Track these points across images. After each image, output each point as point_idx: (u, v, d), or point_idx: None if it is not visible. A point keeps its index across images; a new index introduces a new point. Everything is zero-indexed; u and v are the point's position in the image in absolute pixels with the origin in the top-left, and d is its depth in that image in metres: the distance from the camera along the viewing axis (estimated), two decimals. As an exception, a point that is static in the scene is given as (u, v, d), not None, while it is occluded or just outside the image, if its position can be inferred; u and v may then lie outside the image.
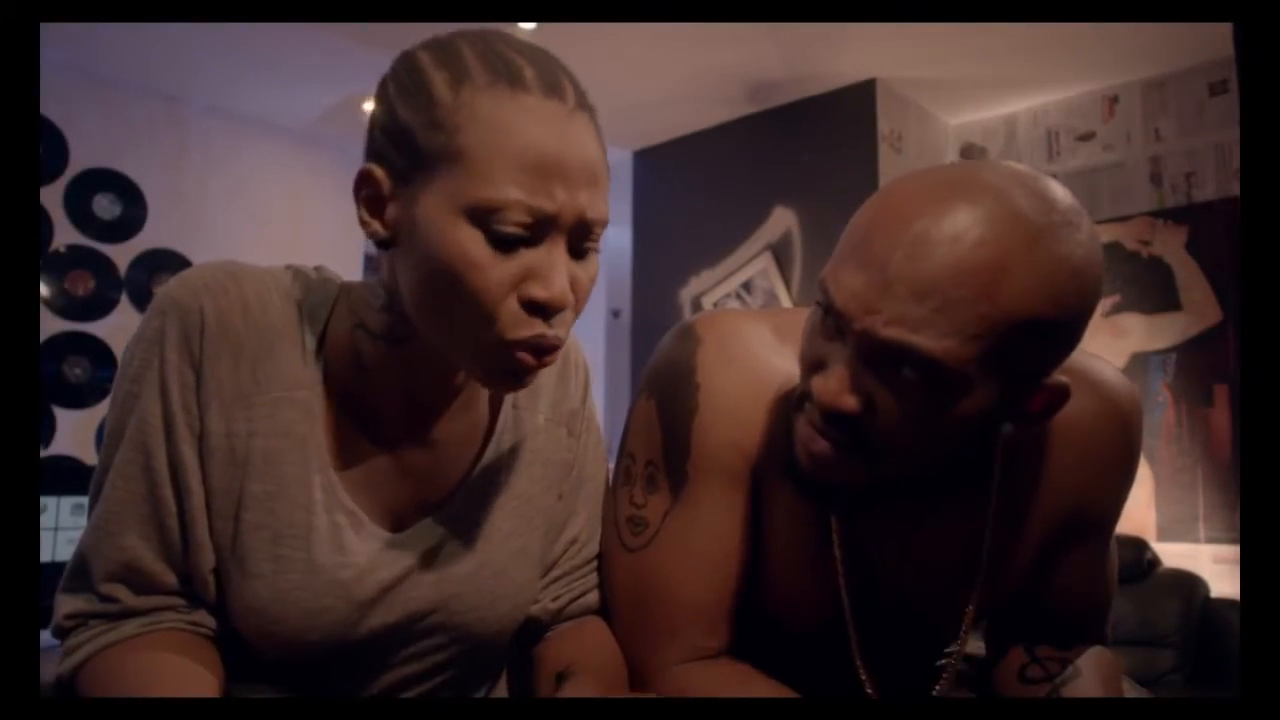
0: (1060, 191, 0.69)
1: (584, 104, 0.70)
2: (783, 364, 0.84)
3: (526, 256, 0.66)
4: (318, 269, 0.82)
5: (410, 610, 0.79)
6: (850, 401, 0.70)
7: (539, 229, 0.66)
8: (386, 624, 0.78)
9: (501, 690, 0.91)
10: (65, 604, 0.75)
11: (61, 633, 0.75)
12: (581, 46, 3.30)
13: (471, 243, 0.65)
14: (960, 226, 0.65)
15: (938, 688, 0.87)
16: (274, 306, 0.76)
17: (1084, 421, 0.83)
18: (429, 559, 0.80)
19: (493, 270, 0.65)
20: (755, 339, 0.86)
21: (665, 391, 0.86)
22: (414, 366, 0.76)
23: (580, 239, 0.69)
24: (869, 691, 0.86)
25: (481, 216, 0.64)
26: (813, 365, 0.74)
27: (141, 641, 0.73)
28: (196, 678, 0.71)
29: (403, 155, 0.67)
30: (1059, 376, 0.72)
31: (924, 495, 0.84)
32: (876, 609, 0.87)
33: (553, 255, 0.67)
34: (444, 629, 0.81)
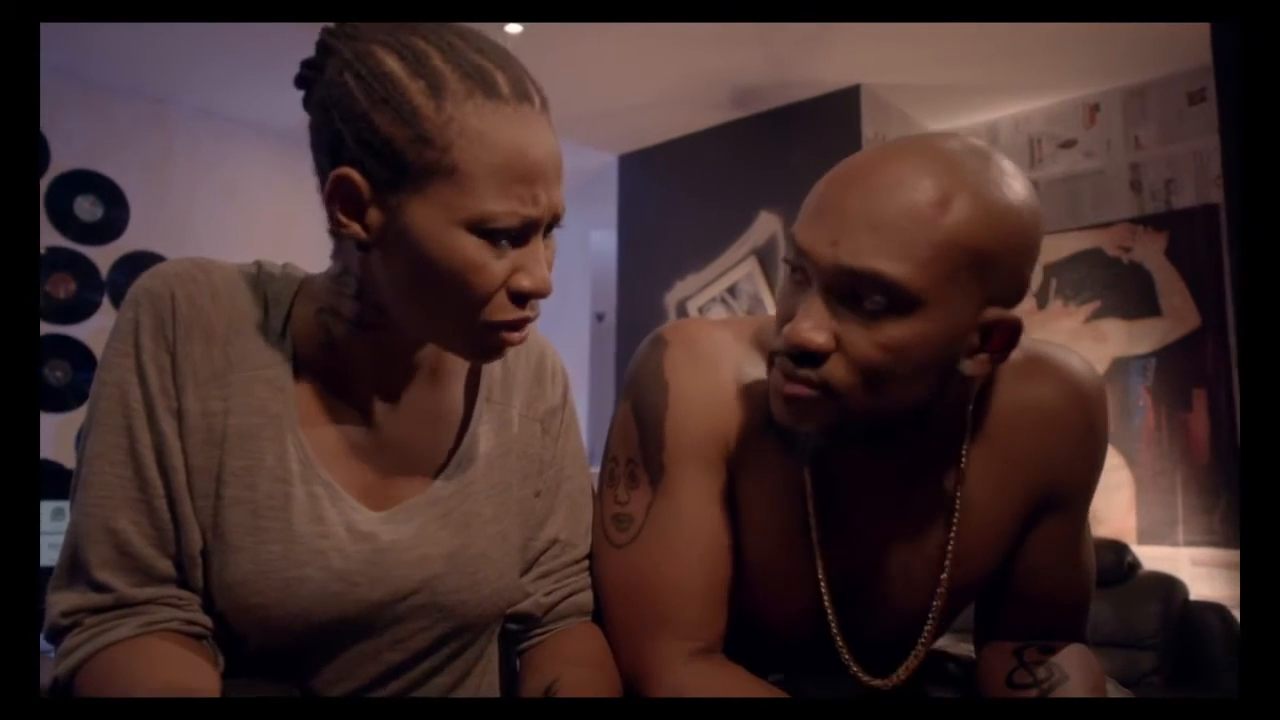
0: (1002, 157, 0.77)
1: (545, 100, 0.76)
2: (747, 363, 0.90)
3: (513, 252, 0.74)
4: (284, 265, 0.86)
5: (394, 589, 0.80)
6: (819, 336, 0.75)
7: (526, 230, 0.73)
8: (370, 601, 0.80)
9: (492, 681, 0.92)
10: (60, 601, 0.75)
11: (58, 632, 0.75)
12: (568, 50, 3.31)
13: (472, 249, 0.71)
14: (907, 170, 0.74)
15: (908, 662, 0.90)
16: (241, 293, 0.80)
17: (1051, 405, 0.89)
18: (410, 540, 0.82)
19: (490, 268, 0.72)
20: (720, 342, 0.91)
21: (639, 394, 0.91)
22: (381, 348, 0.81)
23: (551, 228, 0.77)
24: (853, 669, 0.89)
25: (479, 227, 0.71)
26: (784, 320, 0.79)
27: (139, 644, 0.73)
28: (196, 683, 0.71)
29: (385, 165, 0.71)
30: (1013, 314, 0.77)
31: (900, 466, 0.87)
32: (855, 587, 0.90)
33: (536, 250, 0.75)
34: (426, 611, 0.82)
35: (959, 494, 0.87)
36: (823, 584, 0.89)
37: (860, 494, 0.89)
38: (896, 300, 0.73)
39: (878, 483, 0.88)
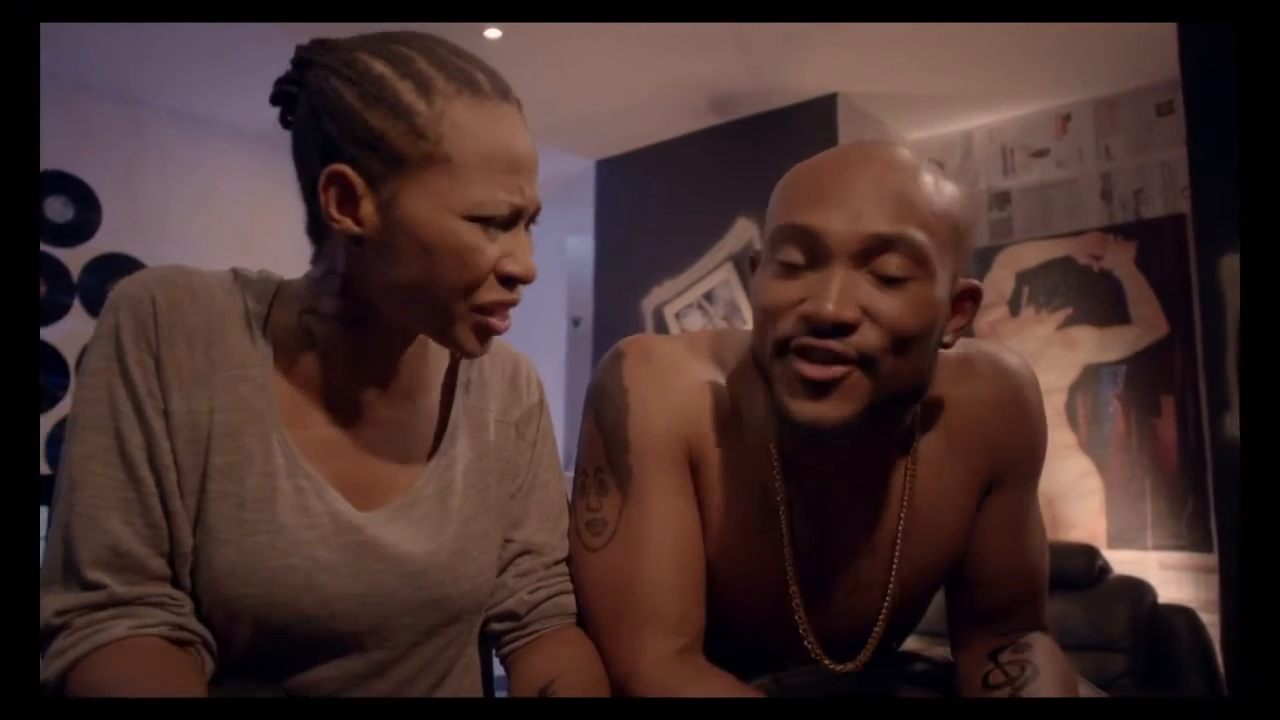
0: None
1: (519, 102, 0.82)
2: (703, 369, 0.96)
3: (501, 239, 0.78)
4: (260, 271, 0.88)
5: (377, 581, 0.82)
6: (849, 308, 0.79)
7: (513, 218, 0.78)
8: (354, 593, 0.81)
9: (475, 681, 0.93)
10: (51, 601, 0.75)
11: (49, 633, 0.74)
12: (547, 56, 3.32)
13: (467, 233, 0.76)
14: (895, 159, 0.83)
15: (869, 644, 0.95)
16: (219, 296, 0.82)
17: (987, 395, 0.96)
18: (394, 537, 0.83)
19: (485, 251, 0.77)
20: (675, 352, 0.96)
21: (601, 405, 0.95)
22: (362, 347, 0.84)
23: (531, 221, 0.81)
24: (816, 652, 0.94)
25: (474, 214, 0.76)
26: (783, 308, 0.82)
27: (127, 647, 0.73)
28: (181, 687, 0.71)
29: (380, 159, 0.75)
30: (969, 282, 0.87)
31: (860, 458, 0.92)
32: (820, 576, 0.94)
33: (521, 237, 0.80)
34: (409, 605, 0.84)
35: (910, 482, 0.93)
36: (789, 573, 0.92)
37: (823, 486, 0.93)
38: (918, 263, 0.80)
39: (839, 475, 0.93)
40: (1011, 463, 0.97)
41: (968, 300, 0.87)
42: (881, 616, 0.95)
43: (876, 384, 0.81)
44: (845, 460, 0.92)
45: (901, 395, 0.85)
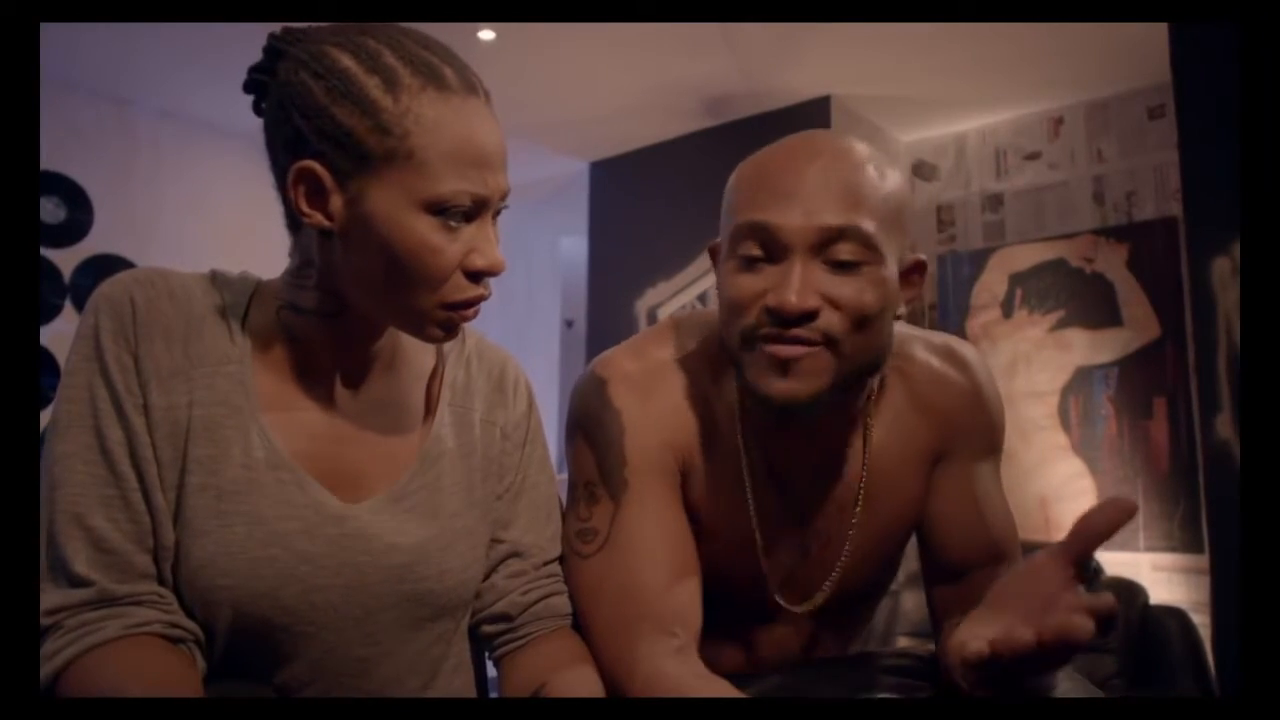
0: None
1: (487, 93, 0.82)
2: (673, 377, 1.00)
3: (465, 232, 0.78)
4: (240, 272, 0.88)
5: (360, 575, 0.82)
6: (811, 298, 0.85)
7: (476, 210, 0.79)
8: (336, 586, 0.81)
9: (467, 682, 0.93)
10: (40, 601, 0.74)
11: (41, 634, 0.74)
12: (541, 58, 3.32)
13: (428, 230, 0.77)
14: (842, 151, 0.89)
15: (825, 587, 1.02)
16: (197, 296, 0.83)
17: (937, 376, 1.04)
18: (377, 530, 0.83)
19: (446, 251, 0.77)
20: (646, 364, 1.00)
21: (590, 424, 0.98)
22: (341, 338, 0.85)
23: (497, 212, 0.82)
24: (777, 598, 1.01)
25: (435, 207, 0.76)
26: (747, 301, 0.88)
27: (121, 647, 0.73)
28: (178, 688, 0.71)
29: (346, 155, 0.76)
30: (915, 257, 0.94)
31: (821, 425, 0.98)
32: (783, 529, 1.01)
33: (485, 230, 0.80)
34: (394, 600, 0.84)
35: (867, 446, 1.00)
36: (754, 525, 0.98)
37: (788, 450, 0.99)
38: (869, 249, 0.86)
39: (802, 439, 0.99)
40: (965, 434, 1.03)
41: (915, 273, 0.94)
42: (840, 564, 1.01)
43: (841, 361, 0.87)
44: (808, 428, 0.98)
45: (865, 368, 0.91)
